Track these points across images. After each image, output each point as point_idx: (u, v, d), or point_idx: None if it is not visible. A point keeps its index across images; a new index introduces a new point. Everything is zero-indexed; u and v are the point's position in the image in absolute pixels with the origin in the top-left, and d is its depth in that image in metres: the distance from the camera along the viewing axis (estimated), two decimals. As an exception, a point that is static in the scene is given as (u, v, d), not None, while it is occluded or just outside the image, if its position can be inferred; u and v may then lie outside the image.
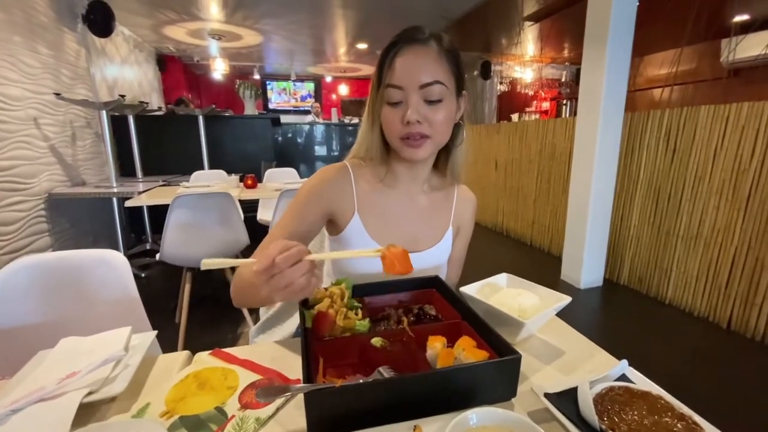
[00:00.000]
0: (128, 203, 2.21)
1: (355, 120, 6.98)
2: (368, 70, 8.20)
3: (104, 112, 2.76)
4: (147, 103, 3.45)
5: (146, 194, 2.48)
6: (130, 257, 2.87)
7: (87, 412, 0.52)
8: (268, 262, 0.49)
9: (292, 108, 8.65)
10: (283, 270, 0.49)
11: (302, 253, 0.51)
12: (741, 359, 1.96)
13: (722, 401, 1.63)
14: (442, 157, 0.85)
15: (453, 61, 0.72)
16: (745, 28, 4.25)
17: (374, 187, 0.82)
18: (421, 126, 0.70)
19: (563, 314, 0.73)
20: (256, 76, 7.82)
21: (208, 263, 0.49)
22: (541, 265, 3.35)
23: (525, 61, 6.59)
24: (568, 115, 6.92)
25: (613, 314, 2.52)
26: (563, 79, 7.71)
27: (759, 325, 2.05)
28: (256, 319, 1.06)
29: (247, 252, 2.65)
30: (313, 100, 8.54)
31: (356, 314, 0.63)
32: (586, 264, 2.74)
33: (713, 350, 2.06)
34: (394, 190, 0.84)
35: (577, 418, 0.48)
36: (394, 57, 0.70)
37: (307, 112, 7.81)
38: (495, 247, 3.91)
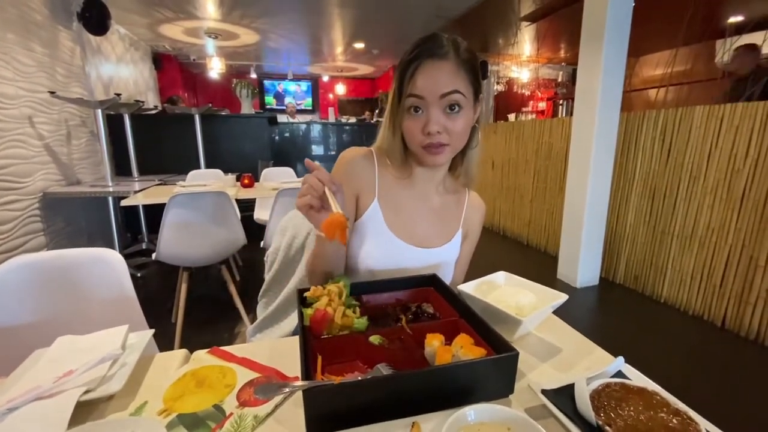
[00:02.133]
0: (124, 202, 2.20)
1: (353, 119, 6.96)
2: (365, 69, 8.19)
3: (99, 110, 2.74)
4: (143, 101, 3.43)
5: (142, 193, 2.47)
6: (126, 257, 2.86)
7: (84, 410, 0.52)
8: (316, 164, 0.66)
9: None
10: (315, 175, 0.64)
11: (330, 183, 0.64)
12: (735, 357, 1.98)
13: (716, 398, 1.65)
14: (458, 159, 0.87)
15: (471, 69, 0.75)
16: (740, 30, 4.28)
17: (394, 181, 0.85)
18: (441, 136, 0.74)
19: (560, 313, 0.74)
20: (253, 75, 7.80)
21: None
22: (537, 264, 3.36)
23: (522, 61, 6.60)
24: (564, 115, 6.95)
25: (609, 313, 2.54)
26: (560, 80, 7.74)
27: (753, 324, 2.06)
28: (253, 319, 1.06)
29: (244, 251, 2.64)
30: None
31: (354, 312, 0.64)
32: (582, 263, 2.76)
33: (708, 348, 2.08)
34: (410, 189, 0.87)
35: (574, 414, 0.48)
36: (415, 71, 0.73)
37: (308, 111, 7.79)
38: (492, 247, 3.92)
